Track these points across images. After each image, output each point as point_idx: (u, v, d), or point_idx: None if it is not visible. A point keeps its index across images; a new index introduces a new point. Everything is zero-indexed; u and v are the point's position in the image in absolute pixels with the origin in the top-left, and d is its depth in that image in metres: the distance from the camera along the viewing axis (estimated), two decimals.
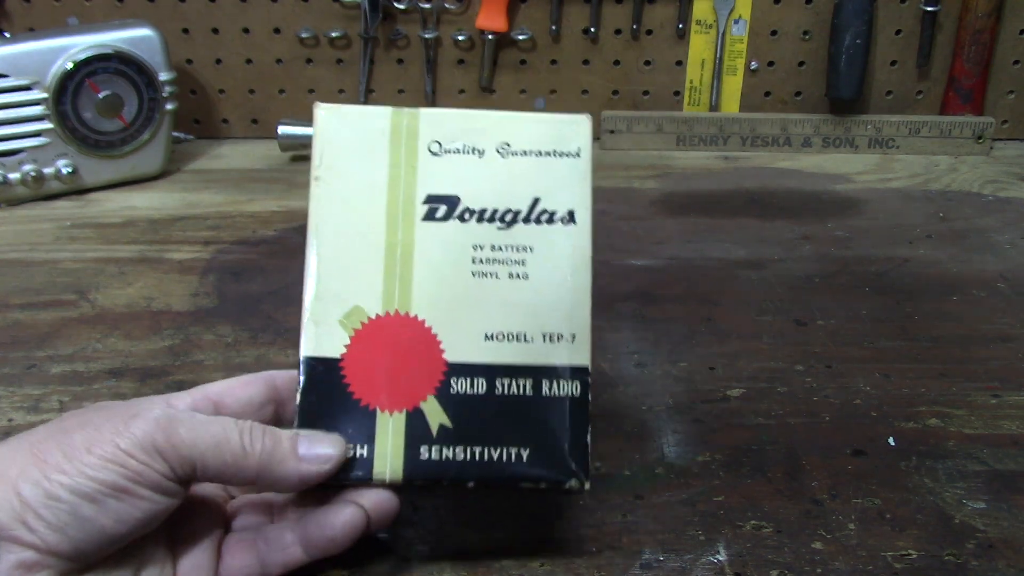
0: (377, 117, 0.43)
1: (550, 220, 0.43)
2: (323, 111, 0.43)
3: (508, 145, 0.43)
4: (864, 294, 0.68)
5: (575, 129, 0.44)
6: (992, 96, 0.97)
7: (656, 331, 0.63)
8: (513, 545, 0.45)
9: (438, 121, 0.43)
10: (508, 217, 0.43)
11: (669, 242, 0.76)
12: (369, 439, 0.40)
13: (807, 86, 0.97)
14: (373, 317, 0.42)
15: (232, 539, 0.41)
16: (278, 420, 0.42)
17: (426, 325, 0.42)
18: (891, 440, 0.52)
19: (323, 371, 0.41)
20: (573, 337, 0.42)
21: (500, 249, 0.42)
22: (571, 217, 0.43)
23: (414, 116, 0.43)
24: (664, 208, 0.83)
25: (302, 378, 0.41)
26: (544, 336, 0.42)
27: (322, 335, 0.41)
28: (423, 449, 0.41)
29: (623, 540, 0.45)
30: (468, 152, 0.43)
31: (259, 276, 0.70)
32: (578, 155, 0.44)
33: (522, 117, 0.44)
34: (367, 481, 0.40)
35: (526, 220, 0.43)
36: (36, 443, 0.35)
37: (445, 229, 0.42)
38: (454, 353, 0.41)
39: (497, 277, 0.42)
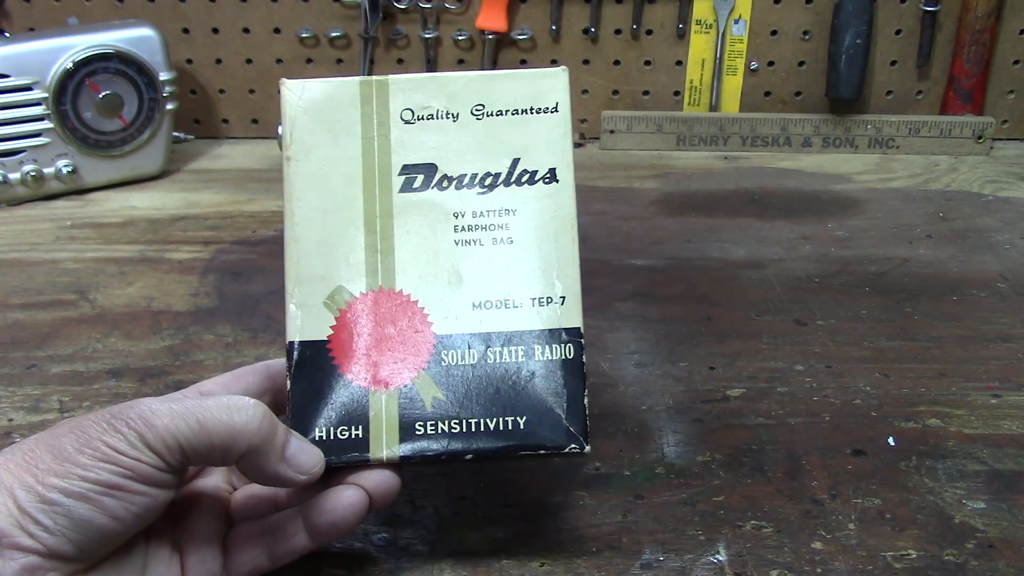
0: (345, 89, 0.42)
1: (531, 180, 0.42)
2: (288, 88, 0.42)
3: (483, 106, 0.42)
4: (864, 294, 0.68)
5: (552, 83, 0.42)
6: (992, 96, 0.97)
7: (656, 331, 0.63)
8: (513, 545, 0.45)
9: (408, 87, 0.42)
10: (488, 181, 0.42)
11: (669, 242, 0.76)
12: (363, 419, 0.40)
13: (807, 86, 0.97)
14: (357, 296, 0.41)
15: (237, 532, 0.41)
16: (277, 409, 0.42)
17: (412, 299, 0.41)
18: (891, 440, 0.52)
19: (311, 355, 0.41)
20: (563, 299, 0.41)
21: (482, 215, 0.42)
22: (552, 176, 0.42)
23: (383, 84, 0.42)
24: (664, 208, 0.83)
25: (291, 363, 0.41)
26: (533, 300, 0.41)
27: (307, 318, 0.41)
28: (418, 425, 0.40)
29: (623, 540, 0.45)
30: (442, 117, 0.42)
31: (259, 276, 0.70)
32: (556, 110, 0.42)
33: (495, 75, 0.43)
34: (365, 462, 0.40)
35: (506, 182, 0.42)
36: (27, 451, 0.35)
37: (424, 199, 0.42)
38: (443, 325, 0.41)
39: (481, 244, 0.42)
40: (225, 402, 0.37)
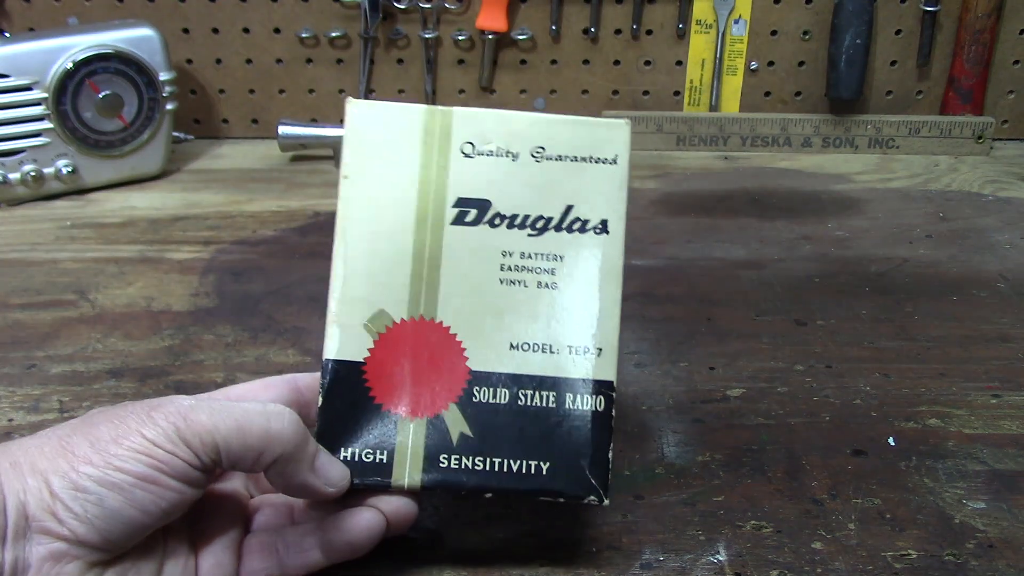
0: (410, 115, 0.42)
1: (582, 229, 0.42)
2: (355, 107, 0.42)
3: (543, 149, 0.42)
4: (864, 294, 0.68)
5: (614, 134, 0.43)
6: (992, 96, 0.97)
7: (656, 331, 0.63)
8: (513, 545, 0.45)
9: (472, 121, 0.42)
10: (539, 224, 0.42)
11: (669, 242, 0.76)
12: (389, 445, 0.40)
13: (807, 86, 0.97)
14: (398, 322, 0.41)
15: (252, 539, 0.41)
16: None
17: (451, 332, 0.41)
18: (891, 440, 0.52)
19: (346, 375, 0.41)
20: (599, 351, 0.41)
21: (530, 257, 0.42)
22: (604, 227, 0.42)
23: (447, 115, 0.42)
24: (664, 208, 0.83)
25: (325, 381, 0.41)
26: (570, 348, 0.41)
27: (346, 338, 0.41)
28: (442, 458, 0.40)
29: (623, 540, 0.45)
30: (502, 155, 0.42)
31: (259, 276, 0.70)
32: (615, 162, 0.42)
33: (559, 120, 0.43)
34: (386, 487, 0.40)
35: (557, 228, 0.42)
36: (64, 436, 0.35)
37: (475, 234, 0.42)
38: (478, 362, 0.41)
39: (525, 285, 0.42)
40: (261, 407, 0.38)
